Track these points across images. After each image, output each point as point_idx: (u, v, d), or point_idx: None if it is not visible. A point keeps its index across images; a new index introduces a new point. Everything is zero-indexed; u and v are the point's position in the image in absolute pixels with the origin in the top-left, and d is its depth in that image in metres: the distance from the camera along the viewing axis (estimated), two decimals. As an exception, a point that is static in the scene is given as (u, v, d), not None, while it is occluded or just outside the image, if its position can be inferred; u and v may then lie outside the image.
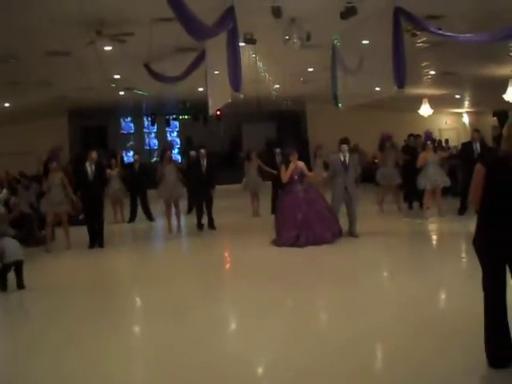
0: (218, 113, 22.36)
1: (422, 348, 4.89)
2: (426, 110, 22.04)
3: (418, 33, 10.48)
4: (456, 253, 9.33)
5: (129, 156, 26.19)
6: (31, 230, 11.83)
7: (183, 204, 14.22)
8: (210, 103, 11.47)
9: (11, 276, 7.88)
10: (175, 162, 12.79)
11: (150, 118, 28.43)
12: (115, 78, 16.55)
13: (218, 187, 13.15)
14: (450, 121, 28.51)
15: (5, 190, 12.37)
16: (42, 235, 11.38)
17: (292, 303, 6.95)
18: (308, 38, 10.69)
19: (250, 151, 15.13)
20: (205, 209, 12.72)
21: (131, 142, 28.88)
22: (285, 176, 10.61)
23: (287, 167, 10.61)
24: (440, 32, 9.40)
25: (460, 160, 14.09)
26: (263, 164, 14.70)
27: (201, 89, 16.00)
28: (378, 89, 11.51)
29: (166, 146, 14.14)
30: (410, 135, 16.12)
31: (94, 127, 26.90)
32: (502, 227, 4.18)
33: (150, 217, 14.92)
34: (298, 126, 27.92)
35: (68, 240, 11.11)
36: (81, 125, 26.67)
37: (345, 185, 10.55)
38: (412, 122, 23.65)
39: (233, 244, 11.59)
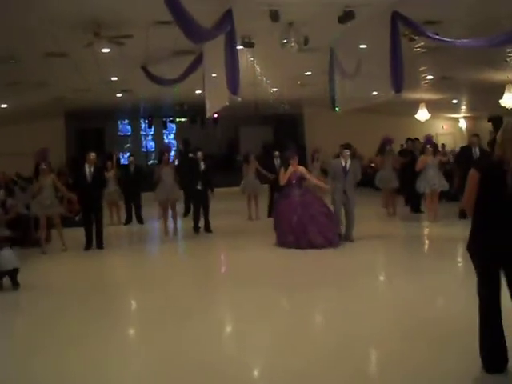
0: (215, 116, 22.38)
1: (418, 352, 4.90)
2: (423, 114, 22.10)
3: (415, 37, 10.50)
4: (452, 257, 9.34)
5: (125, 158, 26.17)
6: (28, 231, 11.81)
7: (179, 207, 14.20)
8: (208, 106, 11.50)
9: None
10: (173, 164, 12.78)
11: (147, 121, 28.42)
12: (113, 80, 16.56)
13: (215, 190, 13.17)
14: (446, 126, 28.57)
15: (1, 191, 12.37)
16: (39, 236, 11.35)
17: (288, 306, 6.96)
18: (306, 42, 10.70)
19: (249, 154, 15.12)
20: (201, 212, 12.73)
21: (128, 144, 28.87)
22: (283, 178, 10.64)
23: (287, 170, 10.64)
24: (437, 37, 9.44)
25: (456, 164, 14.10)
26: (261, 167, 14.72)
27: (198, 91, 16.01)
28: (375, 93, 11.54)
29: (163, 149, 14.11)
30: (408, 139, 16.20)
31: (91, 129, 26.85)
32: (496, 232, 4.19)
33: (140, 220, 14.90)
34: (295, 130, 27.92)
35: (63, 242, 11.07)
36: (78, 126, 26.62)
37: (344, 189, 10.58)
38: (409, 126, 23.69)
39: (229, 247, 11.58)
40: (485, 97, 18.98)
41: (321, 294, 7.27)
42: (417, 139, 15.86)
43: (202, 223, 12.75)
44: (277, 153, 14.53)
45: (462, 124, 28.36)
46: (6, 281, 7.92)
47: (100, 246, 11.16)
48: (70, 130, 26.22)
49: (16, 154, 20.48)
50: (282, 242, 10.37)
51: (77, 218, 13.29)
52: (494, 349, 4.28)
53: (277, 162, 14.24)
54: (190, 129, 27.47)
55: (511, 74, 15.39)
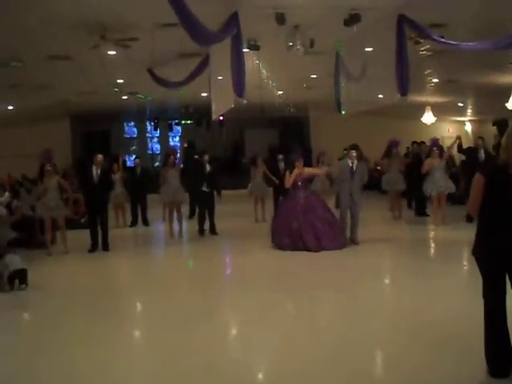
0: (221, 118, 22.42)
1: (420, 354, 4.89)
2: (428, 117, 22.06)
3: (421, 40, 10.49)
4: (458, 261, 9.30)
5: (131, 160, 26.25)
6: (33, 233, 11.84)
7: (185, 209, 14.23)
8: (214, 108, 11.51)
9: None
10: (178, 166, 12.80)
11: (152, 123, 28.49)
12: (118, 83, 16.60)
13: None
14: (452, 129, 28.51)
15: (7, 193, 12.41)
16: (44, 238, 11.37)
17: (292, 308, 6.96)
18: (311, 45, 10.71)
19: (257, 156, 15.11)
20: (207, 214, 12.74)
21: (134, 147, 28.95)
22: (288, 181, 10.63)
23: (292, 173, 10.65)
24: (443, 40, 9.44)
25: (462, 167, 14.09)
26: (267, 170, 14.71)
27: (204, 94, 16.04)
28: (381, 96, 11.55)
29: (169, 151, 14.13)
30: (414, 142, 16.20)
31: (97, 131, 26.97)
32: (502, 236, 4.19)
33: (146, 222, 14.94)
34: (300, 133, 27.93)
35: (65, 244, 11.08)
36: (84, 129, 26.76)
37: (350, 190, 10.56)
38: (415, 129, 23.66)
39: (235, 249, 11.59)
40: (490, 100, 18.95)
41: (324, 296, 7.28)
42: (423, 142, 15.85)
43: (207, 225, 12.77)
44: (281, 156, 14.53)
45: (468, 127, 28.29)
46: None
47: (106, 248, 11.18)
48: (75, 133, 26.33)
49: (21, 156, 20.58)
50: (277, 244, 10.38)
51: (82, 220, 13.32)
52: (500, 352, 4.27)
53: (281, 165, 14.23)
54: (196, 131, 27.56)
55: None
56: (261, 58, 12.63)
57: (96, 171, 11.16)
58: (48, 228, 11.04)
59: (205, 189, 12.60)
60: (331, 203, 11.05)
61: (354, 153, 10.64)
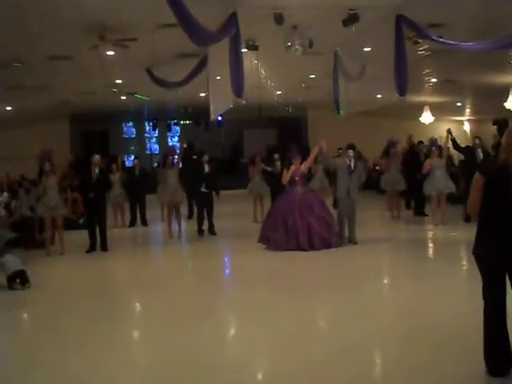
0: (220, 118, 22.41)
1: (420, 354, 4.88)
2: (427, 117, 22.07)
3: (419, 40, 10.51)
4: (457, 260, 9.32)
5: (130, 160, 26.24)
6: (32, 233, 11.85)
7: (184, 209, 14.22)
8: (212, 108, 11.50)
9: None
10: (177, 166, 12.81)
11: (151, 123, 28.48)
12: (117, 83, 16.59)
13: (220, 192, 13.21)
14: (450, 129, 28.49)
15: (5, 194, 12.40)
16: (43, 238, 11.38)
17: (291, 309, 6.93)
18: (310, 45, 10.71)
19: (255, 156, 15.10)
20: (205, 214, 12.75)
21: (133, 147, 28.92)
22: (286, 177, 10.63)
23: (289, 170, 10.66)
24: (441, 40, 9.45)
25: (460, 167, 14.11)
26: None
27: (202, 94, 16.05)
28: (379, 96, 11.55)
29: (168, 151, 14.12)
30: (419, 142, 16.17)
31: (95, 132, 26.94)
32: (502, 236, 4.19)
33: (144, 222, 14.94)
34: (299, 133, 27.92)
35: (62, 245, 11.04)
36: (82, 129, 26.70)
37: (348, 189, 10.56)
38: (413, 129, 23.51)
39: (233, 250, 11.59)
40: (489, 100, 18.96)
41: (323, 296, 7.27)
42: (421, 142, 15.87)
43: (206, 225, 12.77)
44: (277, 155, 14.51)
45: (467, 127, 28.31)
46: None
47: (104, 248, 11.18)
48: (74, 133, 26.30)
49: (21, 157, 20.53)
50: (265, 237, 10.43)
51: (80, 221, 13.32)
52: (499, 352, 4.27)
53: (277, 164, 14.21)
54: (194, 131, 27.50)
55: (516, 76, 15.40)
56: (259, 59, 12.63)
57: (94, 171, 11.17)
58: (48, 227, 11.05)
59: (203, 189, 12.60)
60: (329, 202, 11.03)
61: (351, 152, 10.67)
